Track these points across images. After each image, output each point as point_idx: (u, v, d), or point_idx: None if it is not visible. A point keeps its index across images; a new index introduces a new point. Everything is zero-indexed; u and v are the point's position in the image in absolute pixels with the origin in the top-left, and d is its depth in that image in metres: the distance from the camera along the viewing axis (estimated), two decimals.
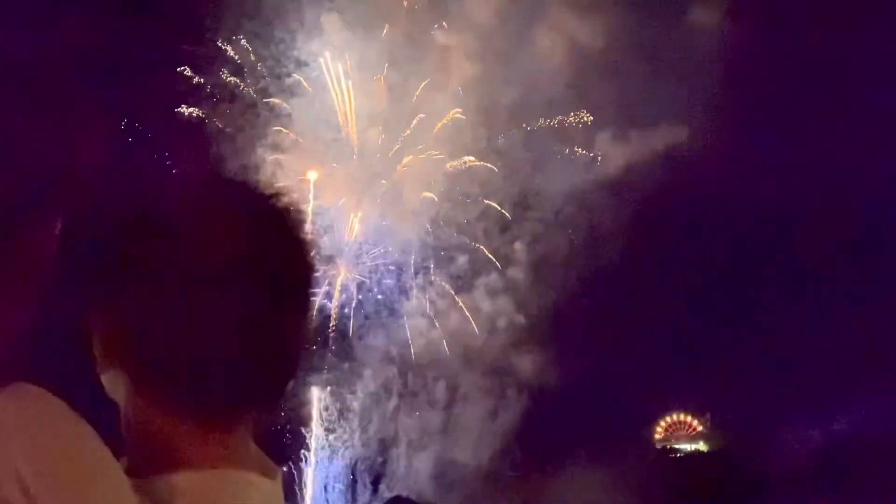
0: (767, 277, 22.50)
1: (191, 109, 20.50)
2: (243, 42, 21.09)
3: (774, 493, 23.14)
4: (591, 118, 17.74)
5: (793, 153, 17.46)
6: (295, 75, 20.74)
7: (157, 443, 1.17)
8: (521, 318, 18.98)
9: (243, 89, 21.03)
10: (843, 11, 15.89)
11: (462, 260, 19.17)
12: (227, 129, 21.19)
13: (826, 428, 24.63)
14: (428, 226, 19.61)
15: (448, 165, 19.20)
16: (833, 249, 20.42)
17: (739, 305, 23.49)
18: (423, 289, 19.64)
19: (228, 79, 21.08)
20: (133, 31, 17.91)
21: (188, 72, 20.38)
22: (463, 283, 19.31)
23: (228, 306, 1.14)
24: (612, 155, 17.88)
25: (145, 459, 1.16)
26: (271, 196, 1.26)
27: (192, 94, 20.61)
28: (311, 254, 1.27)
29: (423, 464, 18.64)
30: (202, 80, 20.97)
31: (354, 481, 18.46)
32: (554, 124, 17.79)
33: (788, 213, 18.84)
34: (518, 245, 18.74)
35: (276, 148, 20.94)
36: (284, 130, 21.13)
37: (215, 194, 1.24)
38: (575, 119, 17.74)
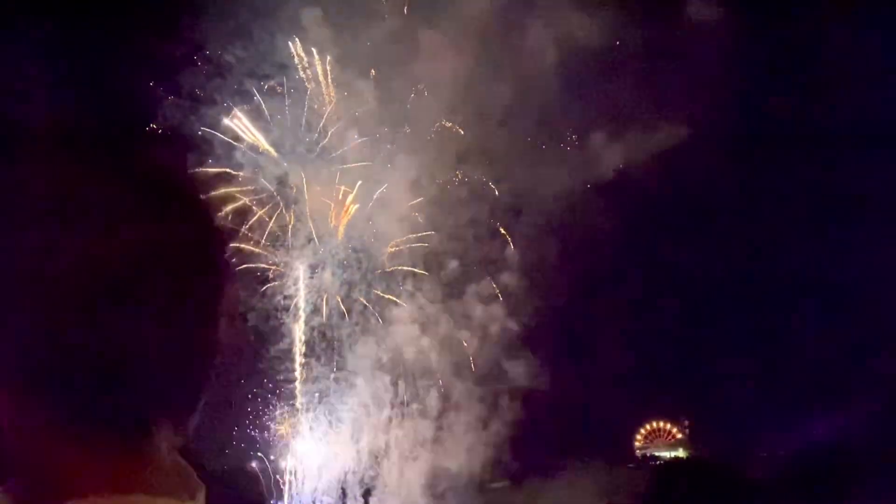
0: (750, 284, 22.61)
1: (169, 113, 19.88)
2: (218, 41, 20.48)
3: (752, 500, 23.28)
4: (584, 118, 17.48)
5: (792, 152, 17.48)
6: (273, 77, 20.26)
7: (50, 468, 1.09)
8: (512, 325, 18.64)
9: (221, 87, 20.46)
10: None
11: (453, 265, 18.81)
12: (204, 131, 20.60)
13: (805, 435, 24.80)
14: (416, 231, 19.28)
15: (437, 169, 18.87)
16: (818, 257, 20.56)
17: (721, 311, 23.58)
18: (412, 295, 19.23)
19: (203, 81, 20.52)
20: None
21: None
22: (453, 290, 18.94)
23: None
24: (605, 156, 17.68)
25: (37, 487, 1.08)
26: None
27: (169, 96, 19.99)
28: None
29: (414, 474, 18.21)
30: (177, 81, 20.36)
31: (344, 494, 17.91)
32: (546, 125, 17.46)
33: (778, 218, 18.92)
34: (509, 251, 18.43)
35: (255, 152, 20.43)
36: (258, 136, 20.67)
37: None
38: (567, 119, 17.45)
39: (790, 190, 17.82)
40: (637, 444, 27.83)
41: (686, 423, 27.78)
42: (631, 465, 26.98)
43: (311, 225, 20.05)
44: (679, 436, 27.87)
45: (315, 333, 18.80)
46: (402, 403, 18.37)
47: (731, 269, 21.26)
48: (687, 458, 27.65)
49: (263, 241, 20.13)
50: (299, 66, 20.40)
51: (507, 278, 18.81)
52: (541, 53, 17.28)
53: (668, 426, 27.81)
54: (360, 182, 19.70)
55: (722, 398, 24.25)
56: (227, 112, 20.76)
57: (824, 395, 22.37)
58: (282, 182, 20.62)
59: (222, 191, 20.58)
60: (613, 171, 17.46)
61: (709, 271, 21.31)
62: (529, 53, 17.40)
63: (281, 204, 20.55)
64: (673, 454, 27.62)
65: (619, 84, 16.90)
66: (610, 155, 17.49)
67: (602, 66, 17.03)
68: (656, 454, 27.66)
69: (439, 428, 18.51)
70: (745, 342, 24.32)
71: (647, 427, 27.82)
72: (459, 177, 18.80)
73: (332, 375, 18.64)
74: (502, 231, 18.71)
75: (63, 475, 1.09)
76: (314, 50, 20.02)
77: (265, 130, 20.64)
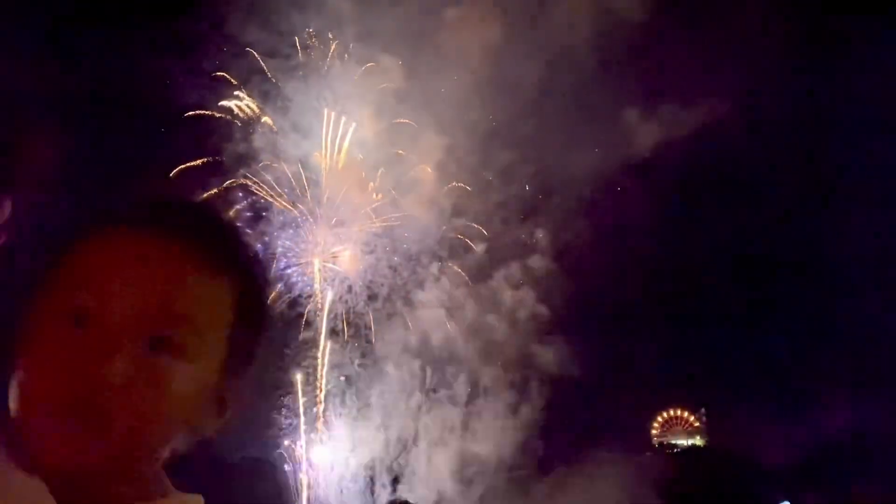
0: (775, 273, 22.39)
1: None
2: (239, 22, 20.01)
3: (770, 488, 23.19)
4: (618, 96, 17.06)
5: (838, 134, 17.15)
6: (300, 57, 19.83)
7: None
8: (540, 310, 18.29)
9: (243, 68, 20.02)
10: None
11: (481, 249, 18.44)
12: (225, 116, 20.17)
13: (822, 423, 24.70)
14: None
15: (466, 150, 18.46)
16: (841, 248, 20.33)
17: (744, 301, 23.37)
18: (439, 280, 18.86)
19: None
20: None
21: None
22: (481, 274, 18.58)
23: None
24: (639, 135, 17.28)
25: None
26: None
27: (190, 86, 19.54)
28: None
29: (443, 460, 17.88)
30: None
31: (372, 482, 17.56)
32: (579, 103, 17.01)
33: (816, 203, 18.60)
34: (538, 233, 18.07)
35: (277, 133, 20.01)
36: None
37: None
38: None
39: (831, 175, 17.48)
40: (654, 432, 27.72)
41: (703, 411, 27.70)
42: (648, 454, 26.89)
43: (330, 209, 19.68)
44: (696, 424, 27.79)
45: (340, 319, 18.45)
46: (430, 390, 18.03)
47: (760, 255, 20.98)
48: (704, 446, 27.57)
49: (284, 224, 19.76)
50: (317, 45, 20.00)
51: (537, 262, 18.47)
52: (572, 28, 16.84)
53: (685, 414, 27.73)
54: (383, 166, 19.34)
55: (739, 386, 24.12)
56: (245, 91, 20.37)
57: (843, 383, 22.26)
58: (303, 164, 20.25)
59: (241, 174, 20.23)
60: (647, 152, 17.08)
61: (738, 257, 21.07)
62: (560, 27, 16.96)
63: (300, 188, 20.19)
64: (690, 442, 27.56)
65: (655, 59, 16.50)
66: (644, 134, 17.12)
67: (637, 40, 16.62)
68: (674, 442, 27.58)
69: (468, 414, 18.19)
70: (768, 329, 24.12)
71: (664, 415, 27.73)
72: (488, 158, 18.41)
73: (358, 361, 18.30)
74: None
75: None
76: (331, 29, 19.66)
77: (283, 110, 20.25)
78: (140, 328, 1.04)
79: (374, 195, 19.44)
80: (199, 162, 20.13)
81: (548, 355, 18.49)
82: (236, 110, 20.26)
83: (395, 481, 17.79)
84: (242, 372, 1.18)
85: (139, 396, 1.02)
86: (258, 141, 20.28)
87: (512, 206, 18.48)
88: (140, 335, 1.04)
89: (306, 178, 20.14)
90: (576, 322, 18.70)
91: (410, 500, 17.41)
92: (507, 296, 18.54)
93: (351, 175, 19.73)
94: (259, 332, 1.18)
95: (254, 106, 20.14)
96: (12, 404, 1.04)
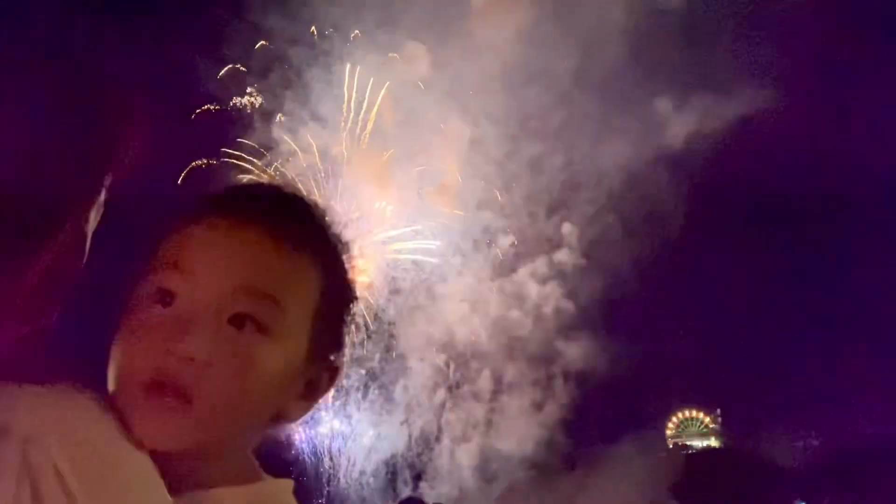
0: (799, 274, 22.16)
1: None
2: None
3: (785, 489, 22.99)
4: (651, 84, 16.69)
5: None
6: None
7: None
8: (566, 305, 17.97)
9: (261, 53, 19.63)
10: None
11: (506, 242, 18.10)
12: (249, 103, 19.80)
13: (838, 425, 24.58)
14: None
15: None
16: (863, 251, 20.13)
17: (766, 299, 23.14)
18: (462, 274, 18.51)
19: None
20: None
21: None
22: (506, 268, 18.23)
23: None
24: (671, 126, 16.92)
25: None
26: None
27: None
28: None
29: (466, 457, 17.54)
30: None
31: (394, 478, 17.21)
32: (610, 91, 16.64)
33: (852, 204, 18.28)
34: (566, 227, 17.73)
35: (299, 122, 19.63)
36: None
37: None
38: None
39: (864, 174, 17.18)
40: (668, 432, 27.56)
41: (719, 412, 27.56)
42: (662, 454, 26.76)
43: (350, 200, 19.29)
44: (711, 425, 27.64)
45: (362, 313, 18.02)
46: (454, 385, 17.68)
47: (789, 254, 20.68)
48: (720, 447, 27.41)
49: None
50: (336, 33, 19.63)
51: (563, 257, 18.13)
52: (604, 12, 16.46)
53: (700, 415, 27.57)
54: (405, 154, 18.96)
55: (757, 387, 23.96)
56: (264, 81, 20.00)
57: (861, 384, 22.10)
58: (322, 155, 19.86)
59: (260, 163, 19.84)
60: (680, 143, 16.74)
61: (770, 255, 20.77)
62: (591, 13, 16.58)
63: (315, 179, 19.81)
64: (705, 443, 27.40)
65: (690, 47, 16.14)
66: (677, 125, 16.77)
67: (671, 26, 16.27)
68: (688, 443, 27.44)
69: (492, 410, 17.85)
70: (788, 330, 23.88)
71: (679, 415, 27.56)
72: (515, 149, 18.04)
73: (378, 356, 17.92)
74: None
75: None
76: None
77: (303, 99, 19.85)
78: (223, 306, 1.05)
79: (397, 187, 19.11)
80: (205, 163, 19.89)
81: (572, 351, 18.18)
82: (253, 101, 19.91)
83: (418, 478, 17.44)
84: (330, 356, 1.19)
85: (222, 375, 1.03)
86: (275, 132, 19.94)
87: (540, 198, 18.11)
88: (223, 312, 1.05)
89: (325, 169, 19.80)
90: (600, 319, 18.38)
91: (425, 500, 17.13)
92: (532, 290, 18.21)
93: (372, 166, 19.37)
94: (345, 316, 1.20)
95: (271, 95, 19.78)
96: (110, 384, 1.05)
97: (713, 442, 27.36)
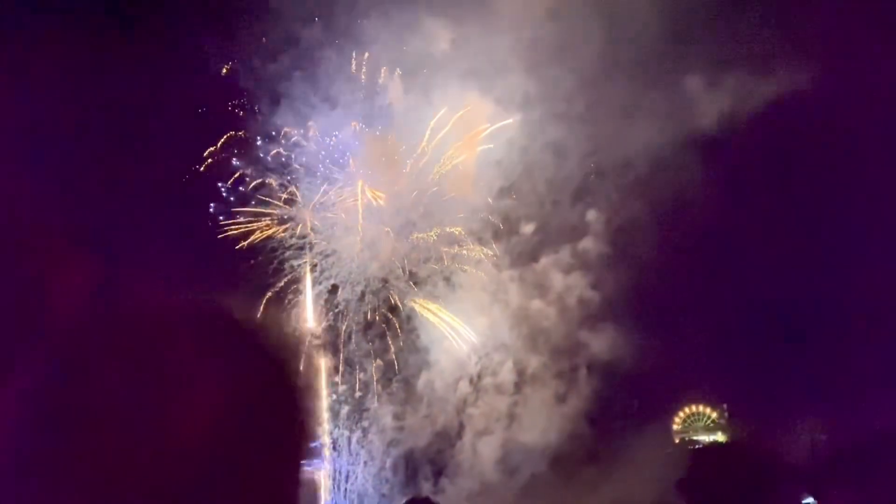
0: (815, 270, 21.88)
1: None
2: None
3: (793, 485, 22.75)
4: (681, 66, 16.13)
5: None
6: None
7: None
8: (586, 295, 17.43)
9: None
10: None
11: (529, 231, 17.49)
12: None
13: (846, 418, 24.30)
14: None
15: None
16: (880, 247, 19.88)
17: (781, 298, 22.85)
18: (480, 263, 17.88)
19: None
20: None
21: None
22: (528, 257, 17.64)
23: None
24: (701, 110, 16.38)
25: None
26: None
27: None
28: None
29: (488, 450, 16.97)
30: None
31: (415, 473, 16.57)
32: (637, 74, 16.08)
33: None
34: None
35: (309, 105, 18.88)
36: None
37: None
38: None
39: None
40: (675, 427, 27.25)
41: (725, 406, 27.32)
42: (669, 450, 26.48)
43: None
44: (718, 420, 27.39)
45: (378, 311, 17.34)
46: (475, 377, 17.08)
47: (800, 253, 20.33)
48: (726, 442, 27.13)
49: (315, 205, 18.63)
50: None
51: (584, 246, 17.58)
52: None
53: (707, 410, 27.31)
54: (425, 142, 18.26)
55: (765, 382, 23.72)
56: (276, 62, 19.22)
57: (871, 379, 21.89)
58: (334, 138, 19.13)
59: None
60: (711, 127, 16.20)
61: (776, 255, 20.42)
62: None
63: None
64: (712, 438, 27.13)
65: (720, 29, 15.63)
66: (709, 106, 16.22)
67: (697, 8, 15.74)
68: (695, 438, 27.17)
69: (515, 403, 17.29)
70: (799, 326, 23.62)
71: (686, 411, 27.27)
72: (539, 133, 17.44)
73: (394, 349, 17.25)
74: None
75: None
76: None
77: (314, 81, 19.09)
78: None
79: (415, 173, 18.42)
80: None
81: (597, 343, 17.66)
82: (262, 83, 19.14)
83: (439, 473, 16.83)
84: None
85: None
86: (284, 115, 19.18)
87: (563, 185, 17.53)
88: None
89: (335, 154, 19.07)
90: (626, 309, 17.88)
91: (432, 499, 16.52)
92: (554, 280, 17.64)
93: (386, 151, 18.67)
94: None
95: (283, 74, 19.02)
96: None
97: (719, 437, 27.09)
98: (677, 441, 27.32)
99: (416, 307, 17.12)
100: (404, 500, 17.94)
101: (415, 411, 16.52)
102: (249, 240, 16.96)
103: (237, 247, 17.10)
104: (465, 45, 17.37)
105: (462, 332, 17.00)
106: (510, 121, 17.62)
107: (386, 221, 17.78)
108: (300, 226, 17.17)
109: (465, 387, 16.78)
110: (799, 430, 25.18)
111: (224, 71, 18.80)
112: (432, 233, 17.82)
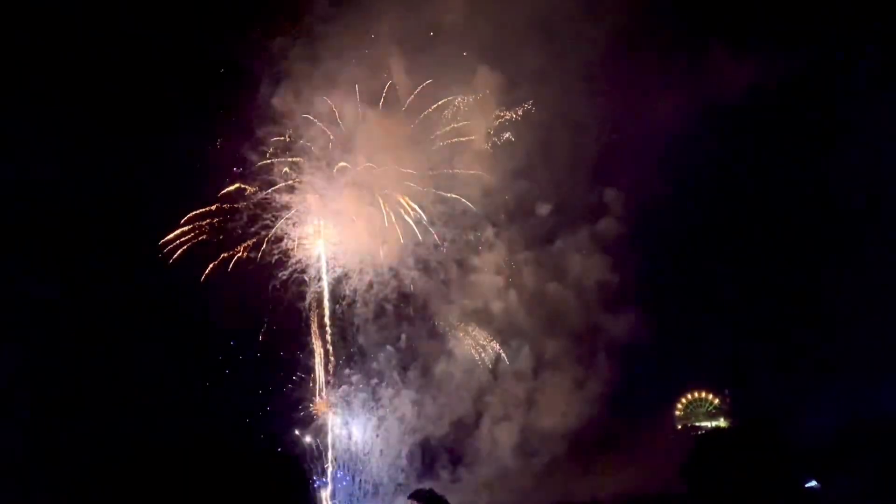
0: (821, 256, 21.75)
1: None
2: None
3: (799, 469, 22.66)
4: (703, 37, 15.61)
5: None
6: None
7: None
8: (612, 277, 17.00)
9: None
10: None
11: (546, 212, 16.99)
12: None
13: (852, 405, 24.34)
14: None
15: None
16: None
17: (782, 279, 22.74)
18: (493, 246, 17.37)
19: None
20: None
21: None
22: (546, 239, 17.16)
23: None
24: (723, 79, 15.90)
25: None
26: None
27: None
28: None
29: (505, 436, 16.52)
30: None
31: (433, 462, 16.08)
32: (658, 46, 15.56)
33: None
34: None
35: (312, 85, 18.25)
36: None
37: None
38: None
39: None
40: (678, 413, 27.18)
41: (727, 392, 27.28)
42: (672, 436, 26.39)
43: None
44: (720, 406, 27.35)
45: (388, 300, 16.79)
46: (493, 363, 16.59)
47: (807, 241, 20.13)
48: (728, 427, 27.11)
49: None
50: None
51: (605, 226, 17.12)
52: None
53: (709, 396, 27.24)
54: (432, 115, 17.67)
55: (770, 367, 23.68)
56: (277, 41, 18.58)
57: (875, 365, 21.90)
58: (339, 119, 18.51)
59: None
60: (736, 100, 15.72)
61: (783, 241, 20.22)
62: None
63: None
64: (714, 424, 27.09)
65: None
66: (733, 79, 15.74)
67: None
68: (697, 424, 27.11)
69: (532, 389, 16.83)
70: (806, 311, 23.55)
71: (688, 397, 27.19)
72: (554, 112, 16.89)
73: (405, 337, 16.69)
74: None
75: None
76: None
77: (317, 58, 18.45)
78: None
79: (423, 152, 17.81)
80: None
81: (617, 326, 17.27)
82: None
83: (457, 461, 16.35)
84: None
85: None
86: (288, 94, 18.55)
87: (579, 167, 17.03)
88: None
89: (342, 133, 18.46)
90: (647, 292, 17.52)
91: (436, 491, 16.10)
92: (574, 262, 17.17)
93: (395, 128, 18.04)
94: None
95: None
96: None
97: (722, 422, 27.03)
98: (679, 427, 27.28)
99: None
100: (408, 494, 17.55)
101: (431, 398, 16.01)
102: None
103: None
104: (477, 17, 16.84)
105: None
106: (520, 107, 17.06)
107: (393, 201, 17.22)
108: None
109: (482, 373, 16.30)
110: (806, 416, 25.12)
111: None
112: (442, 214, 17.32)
